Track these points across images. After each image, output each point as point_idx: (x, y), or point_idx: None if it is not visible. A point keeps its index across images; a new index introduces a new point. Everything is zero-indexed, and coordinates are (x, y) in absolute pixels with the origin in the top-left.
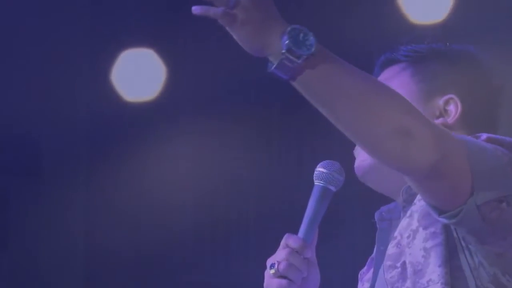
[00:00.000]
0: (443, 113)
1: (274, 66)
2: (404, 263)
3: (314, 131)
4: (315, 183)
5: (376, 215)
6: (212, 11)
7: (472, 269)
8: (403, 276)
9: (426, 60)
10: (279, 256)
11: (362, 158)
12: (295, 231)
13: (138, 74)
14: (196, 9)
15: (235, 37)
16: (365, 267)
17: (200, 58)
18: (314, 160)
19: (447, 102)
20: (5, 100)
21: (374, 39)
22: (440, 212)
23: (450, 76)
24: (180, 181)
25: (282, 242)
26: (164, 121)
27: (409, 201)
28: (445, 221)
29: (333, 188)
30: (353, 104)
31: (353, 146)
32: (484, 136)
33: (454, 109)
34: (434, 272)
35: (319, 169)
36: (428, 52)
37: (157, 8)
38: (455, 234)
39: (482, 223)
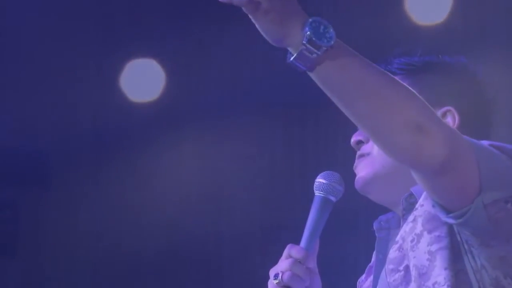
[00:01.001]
0: None
1: (294, 56)
2: (407, 266)
3: (318, 142)
4: (316, 194)
5: (375, 225)
6: None
7: (475, 272)
8: (406, 279)
9: (421, 73)
10: (282, 266)
11: (362, 173)
12: (297, 241)
13: (141, 80)
14: None
15: (257, 26)
16: (364, 275)
17: (201, 61)
18: (316, 171)
19: (444, 114)
20: (13, 112)
21: (377, 40)
22: (448, 212)
23: (446, 88)
24: (184, 186)
25: (285, 253)
26: (167, 127)
27: (409, 209)
28: (452, 221)
29: (333, 199)
30: (369, 96)
31: (354, 156)
32: (485, 143)
33: (451, 121)
34: (439, 275)
35: (319, 180)
36: (422, 64)
37: (159, 12)
38: (458, 238)
39: (487, 223)
